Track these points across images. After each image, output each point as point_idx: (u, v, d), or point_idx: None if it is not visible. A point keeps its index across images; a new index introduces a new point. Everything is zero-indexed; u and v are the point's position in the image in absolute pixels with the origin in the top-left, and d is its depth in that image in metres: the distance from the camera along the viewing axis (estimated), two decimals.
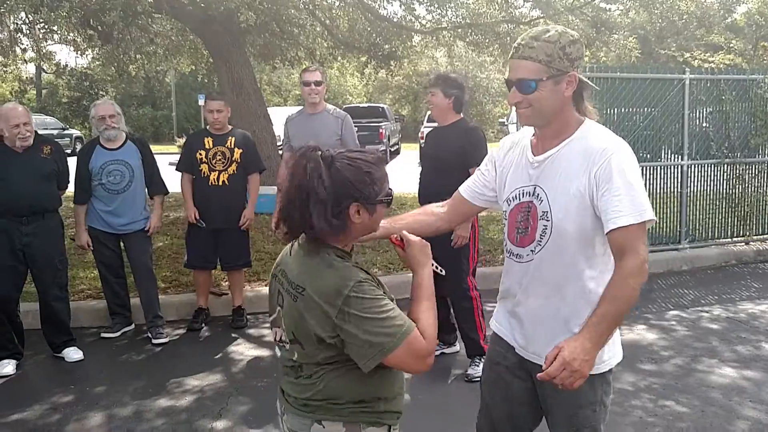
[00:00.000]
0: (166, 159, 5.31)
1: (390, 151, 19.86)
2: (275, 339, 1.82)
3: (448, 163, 4.12)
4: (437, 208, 2.30)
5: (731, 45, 28.02)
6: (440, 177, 4.07)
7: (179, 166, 5.22)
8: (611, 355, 2.01)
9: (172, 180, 5.33)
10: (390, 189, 1.74)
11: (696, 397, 3.88)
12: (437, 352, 4.76)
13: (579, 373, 1.71)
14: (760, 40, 24.65)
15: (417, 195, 4.67)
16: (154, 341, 4.90)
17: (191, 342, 5.02)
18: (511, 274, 2.08)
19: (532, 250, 1.97)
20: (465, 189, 2.24)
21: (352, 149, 1.73)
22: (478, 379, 3.51)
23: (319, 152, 1.65)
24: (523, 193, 1.99)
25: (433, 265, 1.85)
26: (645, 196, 1.82)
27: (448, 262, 4.31)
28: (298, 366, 1.73)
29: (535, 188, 1.96)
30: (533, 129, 2.03)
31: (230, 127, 5.23)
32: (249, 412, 3.81)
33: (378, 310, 1.60)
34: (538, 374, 1.76)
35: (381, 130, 19.05)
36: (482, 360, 4.35)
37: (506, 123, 19.90)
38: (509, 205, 2.03)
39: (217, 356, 4.69)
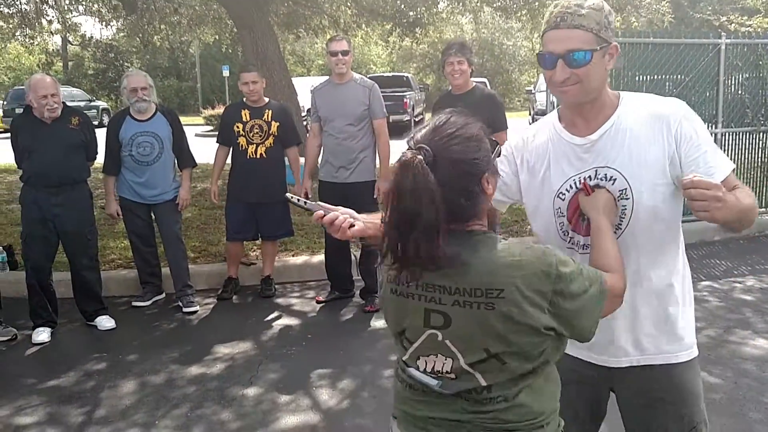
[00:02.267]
0: (192, 130, 5.32)
1: (414, 120, 19.70)
2: (424, 369, 1.48)
3: None
4: None
5: None
6: None
7: (219, 138, 5.26)
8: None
9: (199, 152, 5.34)
10: (491, 138, 1.51)
11: (729, 368, 3.82)
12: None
13: (716, 206, 1.48)
14: None
15: None
16: (185, 310, 4.96)
17: (221, 311, 5.07)
18: None
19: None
20: (499, 204, 1.98)
21: (439, 125, 1.45)
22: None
23: (420, 157, 1.36)
24: (580, 182, 1.78)
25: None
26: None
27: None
28: (484, 388, 1.44)
29: (596, 171, 1.75)
30: (557, 114, 1.85)
31: (266, 99, 5.19)
32: (279, 380, 3.84)
33: (581, 276, 1.43)
34: (683, 179, 1.51)
35: (405, 100, 18.89)
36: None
37: (533, 91, 19.59)
38: (563, 199, 1.80)
39: (246, 325, 4.74)
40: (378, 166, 4.94)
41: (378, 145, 4.86)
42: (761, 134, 7.23)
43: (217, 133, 5.55)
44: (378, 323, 4.69)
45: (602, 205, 1.69)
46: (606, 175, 1.74)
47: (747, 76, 7.14)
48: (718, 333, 4.32)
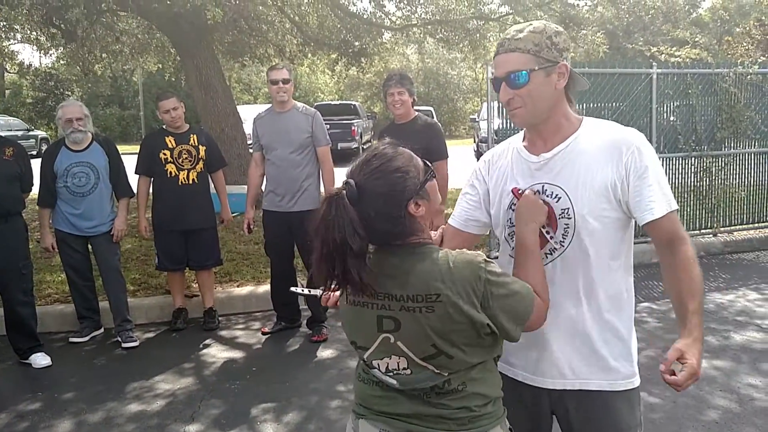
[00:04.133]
0: (134, 159, 5.19)
1: (362, 148, 19.82)
2: (383, 369, 1.61)
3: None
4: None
5: (696, 39, 28.52)
6: None
7: (138, 169, 5.12)
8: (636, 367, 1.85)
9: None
10: (425, 162, 1.64)
11: (668, 388, 3.87)
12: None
13: (696, 378, 1.61)
14: (725, 35, 25.12)
15: None
16: (124, 345, 4.82)
17: (162, 345, 4.94)
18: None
19: (547, 254, 1.79)
20: (454, 220, 2.01)
21: (367, 160, 1.59)
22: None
23: (344, 191, 1.52)
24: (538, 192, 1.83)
25: (544, 228, 1.76)
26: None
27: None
28: (444, 382, 1.59)
29: (544, 186, 1.80)
30: (523, 134, 1.90)
31: (187, 125, 5.15)
32: (222, 415, 3.75)
33: (507, 282, 1.58)
34: (665, 377, 1.57)
35: (353, 128, 19.02)
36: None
37: (477, 120, 19.97)
38: (514, 210, 1.84)
39: (188, 359, 4.62)
40: (323, 194, 4.93)
41: (322, 172, 4.86)
42: (692, 159, 7.54)
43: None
44: (325, 353, 4.65)
45: (527, 211, 1.75)
46: (552, 192, 1.78)
47: (678, 104, 7.46)
48: (657, 353, 4.43)
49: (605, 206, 1.74)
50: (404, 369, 1.59)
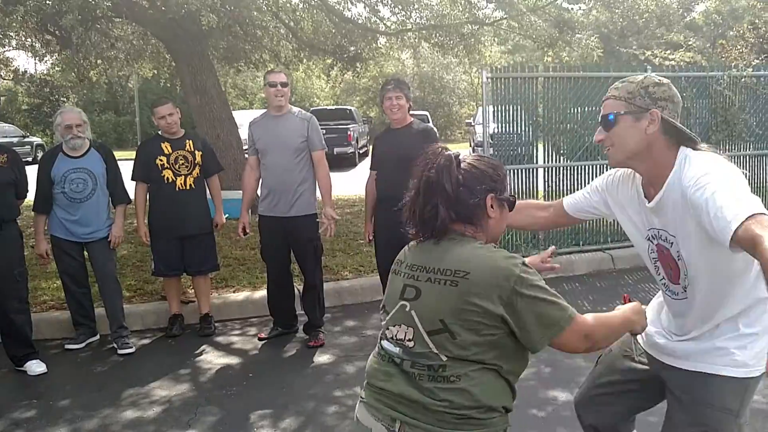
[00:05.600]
0: (130, 165, 5.18)
1: (358, 153, 19.82)
2: (392, 337, 1.74)
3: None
4: (540, 209, 2.46)
5: (690, 43, 28.61)
6: (408, 177, 4.11)
7: (135, 175, 5.11)
8: (757, 360, 1.99)
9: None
10: (512, 196, 1.84)
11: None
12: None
13: None
14: (718, 38, 25.22)
15: (368, 195, 4.78)
16: (120, 352, 4.80)
17: (158, 352, 4.92)
18: (668, 306, 2.17)
19: (684, 288, 2.02)
20: (570, 204, 2.34)
21: (477, 154, 1.83)
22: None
23: (449, 152, 1.75)
24: (657, 235, 2.02)
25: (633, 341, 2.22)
26: (747, 197, 1.68)
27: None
28: (439, 366, 1.64)
29: (659, 232, 2.01)
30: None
31: (182, 130, 5.15)
32: (218, 422, 3.74)
33: (546, 292, 1.63)
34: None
35: (349, 132, 19.00)
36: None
37: (473, 123, 20.02)
38: (653, 242, 2.07)
39: (184, 365, 4.61)
40: (319, 199, 4.93)
41: (318, 177, 4.84)
42: None
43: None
44: (322, 358, 4.64)
45: (632, 316, 1.94)
46: (667, 238, 1.99)
47: None
48: None
49: (705, 243, 1.84)
50: (409, 340, 1.69)
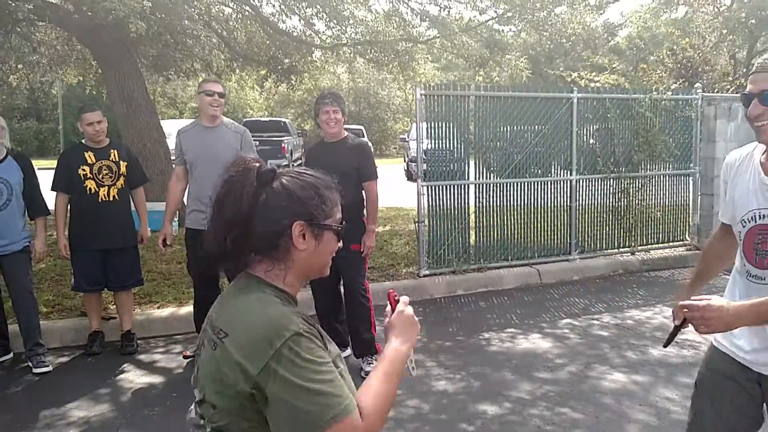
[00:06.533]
0: (52, 175, 4.96)
1: (292, 165, 19.64)
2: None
3: (348, 177, 4.20)
4: (714, 250, 2.33)
5: (614, 66, 29.88)
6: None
7: (55, 185, 4.89)
8: None
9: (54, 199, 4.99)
10: (342, 218, 1.48)
11: (590, 403, 4.01)
12: None
13: (706, 322, 1.80)
14: (640, 62, 26.41)
15: None
16: (35, 370, 4.55)
17: (76, 370, 4.69)
18: (749, 295, 2.03)
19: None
20: (723, 214, 2.22)
21: (302, 168, 1.50)
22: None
23: (257, 165, 1.42)
24: (760, 215, 1.97)
25: (409, 358, 1.51)
26: None
27: (350, 267, 4.55)
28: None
29: None
30: (763, 147, 2.03)
31: (107, 139, 4.98)
32: None
33: (312, 376, 1.27)
34: (680, 302, 1.86)
35: (283, 145, 18.86)
36: (374, 358, 4.56)
37: (407, 139, 20.20)
38: (744, 226, 2.02)
39: (105, 385, 4.41)
40: None
41: None
42: (611, 180, 7.84)
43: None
44: None
45: (400, 328, 1.53)
46: None
47: (597, 127, 7.76)
48: (579, 369, 4.54)
49: None
50: (199, 404, 1.44)
